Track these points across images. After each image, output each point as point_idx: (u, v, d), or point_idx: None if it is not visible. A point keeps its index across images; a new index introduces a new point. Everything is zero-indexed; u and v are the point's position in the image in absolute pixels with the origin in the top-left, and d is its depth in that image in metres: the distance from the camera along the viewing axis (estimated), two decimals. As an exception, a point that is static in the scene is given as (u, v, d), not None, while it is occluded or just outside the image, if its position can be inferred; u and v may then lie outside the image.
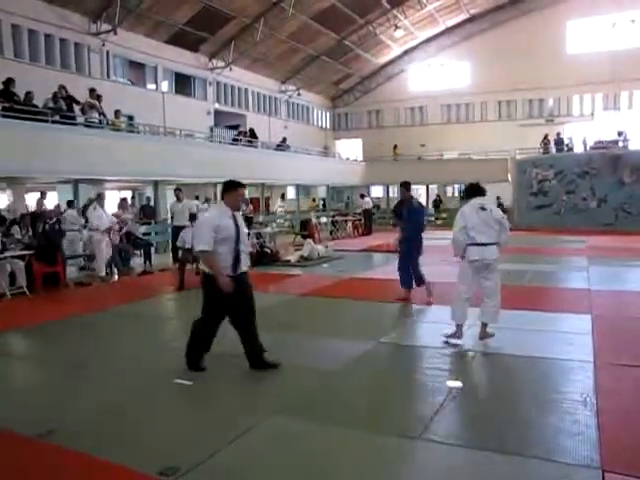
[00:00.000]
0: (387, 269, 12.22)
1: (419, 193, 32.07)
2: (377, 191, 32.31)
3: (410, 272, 8.09)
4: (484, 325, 5.85)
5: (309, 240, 14.55)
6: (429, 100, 31.50)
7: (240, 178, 19.70)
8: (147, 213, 15.68)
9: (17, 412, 4.21)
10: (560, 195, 22.94)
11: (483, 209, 5.70)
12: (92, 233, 11.10)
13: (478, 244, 5.65)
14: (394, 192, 32.40)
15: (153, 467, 3.25)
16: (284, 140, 24.30)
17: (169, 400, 4.51)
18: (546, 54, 27.70)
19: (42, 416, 4.10)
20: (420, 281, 8.09)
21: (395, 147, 29.81)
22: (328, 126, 34.40)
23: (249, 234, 15.49)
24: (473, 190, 5.96)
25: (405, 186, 8.22)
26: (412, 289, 8.09)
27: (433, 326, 6.74)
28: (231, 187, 5.12)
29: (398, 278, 8.21)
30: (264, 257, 12.89)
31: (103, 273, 11.18)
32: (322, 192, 30.36)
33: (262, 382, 4.90)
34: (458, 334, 5.88)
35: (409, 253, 8.00)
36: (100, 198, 11.39)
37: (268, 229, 15.98)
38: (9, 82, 12.80)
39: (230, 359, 5.50)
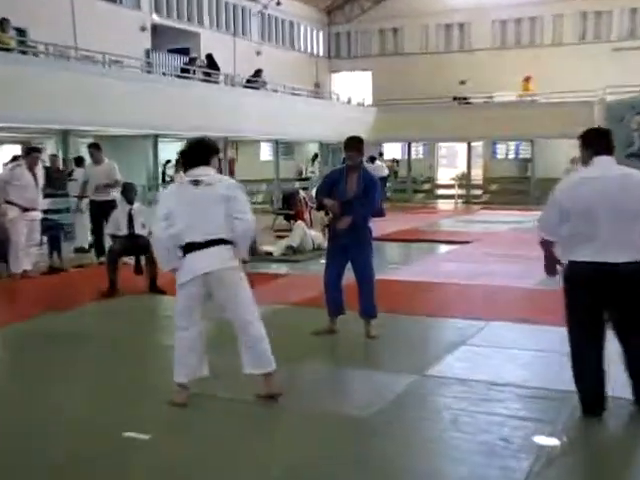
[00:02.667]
0: (414, 267, 12.57)
1: (455, 152, 32.31)
2: (393, 151, 32.32)
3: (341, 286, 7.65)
4: (265, 375, 5.43)
5: (299, 223, 14.51)
6: (474, 13, 31.72)
7: (192, 129, 20.08)
8: (52, 179, 15.53)
9: None
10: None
11: (196, 183, 5.24)
12: (6, 208, 11.12)
13: (191, 247, 5.23)
14: (418, 152, 32.54)
15: None
16: (258, 73, 24.18)
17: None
18: None
19: None
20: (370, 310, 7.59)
21: (528, 79, 28.61)
22: (321, 52, 34.46)
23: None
24: (193, 154, 5.50)
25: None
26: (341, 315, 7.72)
27: (503, 353, 6.83)
28: None
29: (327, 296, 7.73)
30: (234, 248, 12.81)
31: (20, 269, 11.13)
32: (312, 152, 30.27)
33: (260, 435, 4.97)
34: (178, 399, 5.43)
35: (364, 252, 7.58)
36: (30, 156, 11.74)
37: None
38: None
39: (204, 400, 5.55)
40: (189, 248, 5.21)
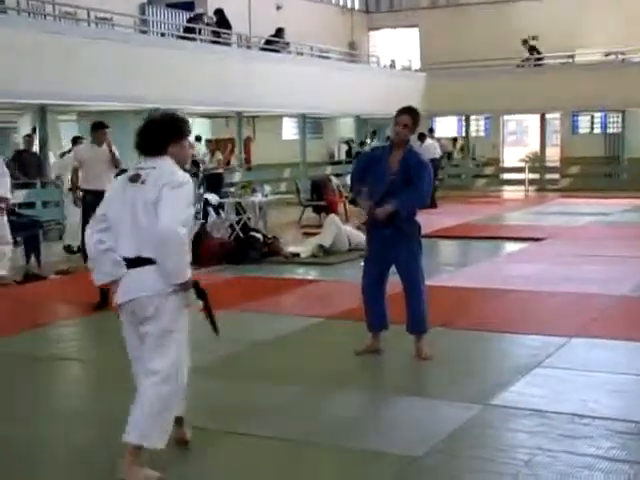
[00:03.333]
0: (475, 270, 12.60)
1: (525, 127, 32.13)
2: (448, 126, 32.22)
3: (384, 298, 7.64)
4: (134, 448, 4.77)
5: (332, 217, 14.55)
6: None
7: (198, 103, 20.15)
8: (25, 165, 15.67)
9: None
10: None
11: (134, 179, 4.89)
12: None
13: (126, 262, 4.86)
14: (479, 128, 32.44)
15: None
16: (279, 32, 24.20)
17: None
18: None
19: None
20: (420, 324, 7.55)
21: None
22: (357, 5, 34.47)
23: (221, 206, 15.56)
24: (144, 139, 5.02)
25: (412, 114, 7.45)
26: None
27: (589, 378, 6.75)
28: None
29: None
30: (252, 248, 12.92)
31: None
32: (347, 129, 30.27)
33: (305, 476, 5.04)
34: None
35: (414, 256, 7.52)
36: None
37: (257, 196, 15.95)
38: None
39: (222, 437, 5.61)
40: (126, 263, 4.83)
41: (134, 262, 4.74)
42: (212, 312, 5.01)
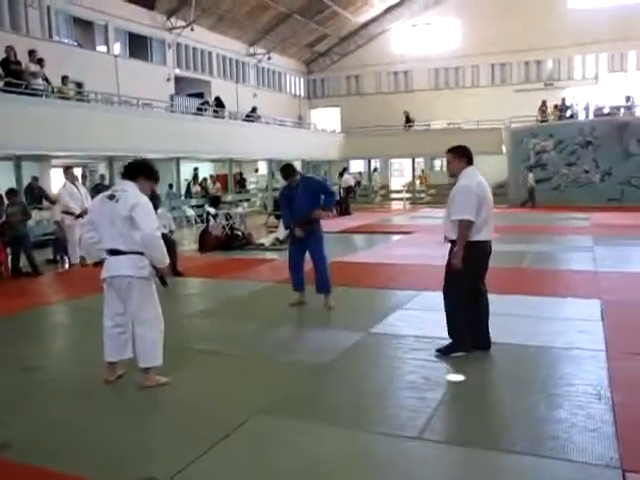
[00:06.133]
0: (370, 252, 12.49)
1: (403, 166, 32.41)
2: (358, 166, 32.32)
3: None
4: (143, 370, 4.73)
5: (284, 221, 14.53)
6: (415, 64, 31.56)
7: (206, 153, 19.82)
8: (100, 192, 15.46)
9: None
10: (560, 168, 23.18)
11: (111, 198, 4.64)
12: (64, 216, 11.23)
13: (107, 252, 4.68)
14: (377, 166, 32.62)
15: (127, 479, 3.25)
16: (254, 110, 24.10)
17: (137, 405, 4.48)
18: (545, 10, 27.77)
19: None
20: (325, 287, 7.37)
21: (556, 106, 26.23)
22: (302, 94, 34.24)
23: (217, 215, 15.53)
24: (126, 169, 4.87)
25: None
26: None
27: (429, 315, 6.73)
28: None
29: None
30: (234, 241, 12.86)
31: (78, 260, 11.30)
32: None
33: (243, 379, 4.95)
34: (106, 375, 4.88)
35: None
36: (68, 173, 11.61)
37: (239, 209, 15.88)
38: None
39: (202, 355, 5.57)
40: (107, 253, 4.69)
41: (112, 252, 4.61)
42: (165, 279, 5.03)
